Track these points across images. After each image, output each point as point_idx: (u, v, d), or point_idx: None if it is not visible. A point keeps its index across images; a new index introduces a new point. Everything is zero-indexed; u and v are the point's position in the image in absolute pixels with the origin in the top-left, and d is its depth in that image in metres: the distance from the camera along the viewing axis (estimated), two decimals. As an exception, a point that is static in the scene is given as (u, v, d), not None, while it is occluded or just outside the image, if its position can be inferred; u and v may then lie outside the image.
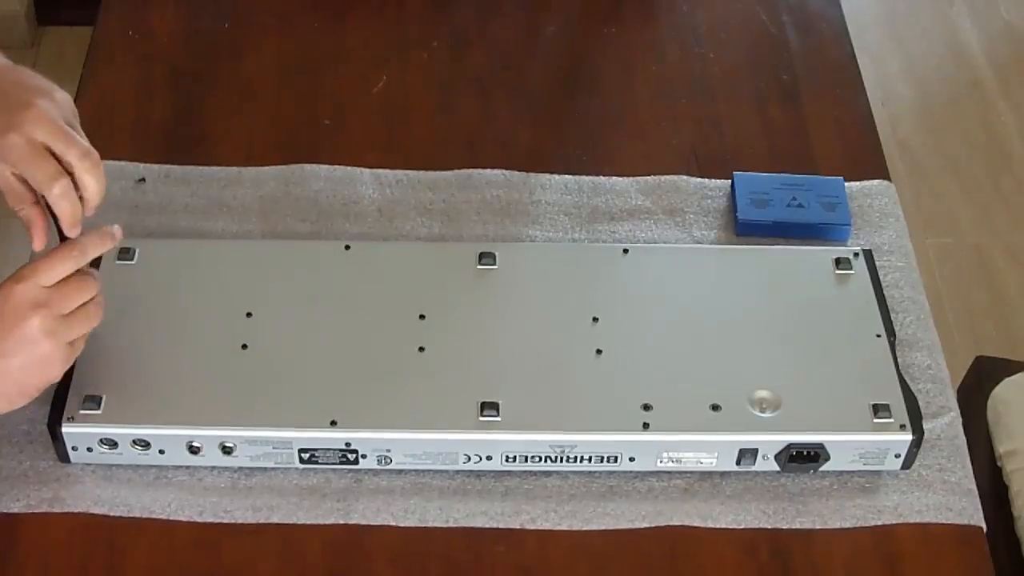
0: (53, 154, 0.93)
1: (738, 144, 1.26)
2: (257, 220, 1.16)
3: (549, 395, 1.00)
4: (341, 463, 0.99)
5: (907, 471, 1.02)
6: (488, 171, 1.21)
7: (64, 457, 0.99)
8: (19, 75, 0.97)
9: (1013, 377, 1.38)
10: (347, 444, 0.98)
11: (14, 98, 0.94)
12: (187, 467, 1.00)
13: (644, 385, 1.01)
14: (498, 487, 1.00)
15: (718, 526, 0.99)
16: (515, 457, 0.99)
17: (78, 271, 0.94)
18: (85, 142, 0.95)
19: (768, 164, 1.23)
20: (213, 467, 1.00)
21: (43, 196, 0.94)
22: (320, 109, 1.27)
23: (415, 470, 1.00)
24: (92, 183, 0.95)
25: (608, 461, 0.99)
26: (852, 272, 1.09)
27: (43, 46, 2.45)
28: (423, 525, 0.98)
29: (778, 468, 1.00)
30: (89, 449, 0.98)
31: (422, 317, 1.05)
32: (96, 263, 1.04)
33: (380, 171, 1.21)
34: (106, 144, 1.21)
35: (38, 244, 0.97)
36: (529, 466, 1.00)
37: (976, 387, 1.40)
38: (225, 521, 0.98)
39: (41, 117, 0.93)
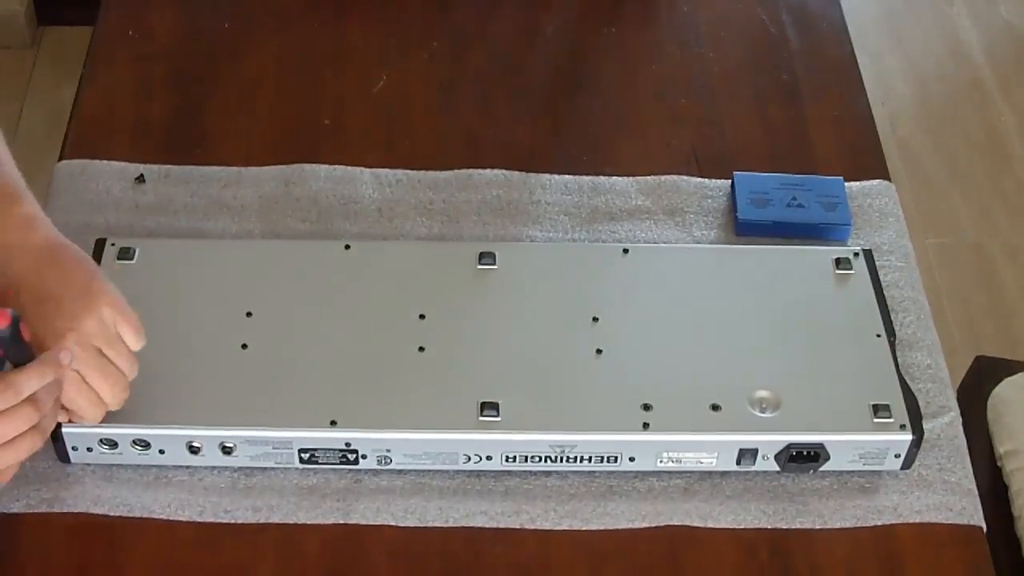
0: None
1: (738, 144, 1.26)
2: (257, 220, 1.16)
3: (549, 395, 1.00)
4: (341, 463, 0.99)
5: (907, 471, 1.02)
6: (488, 171, 1.21)
7: (64, 457, 0.99)
8: (67, 278, 0.94)
9: (1013, 377, 1.38)
10: (347, 444, 0.98)
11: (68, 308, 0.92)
12: (187, 467, 1.00)
13: (644, 385, 1.01)
14: (498, 487, 1.00)
15: (718, 526, 0.99)
16: (515, 457, 0.99)
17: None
18: (126, 360, 0.95)
19: (768, 164, 1.23)
20: (213, 467, 1.00)
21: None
22: (320, 109, 1.27)
23: (415, 470, 1.00)
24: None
25: (608, 461, 0.99)
26: (852, 272, 1.09)
27: (43, 46, 2.45)
28: (423, 525, 0.98)
29: (778, 468, 1.00)
30: (89, 449, 0.98)
31: (422, 317, 1.05)
32: (98, 257, 1.05)
33: (380, 171, 1.21)
34: (106, 144, 1.22)
35: None
36: (529, 466, 1.00)
37: (976, 387, 1.40)
38: (225, 521, 0.98)
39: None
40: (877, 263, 1.11)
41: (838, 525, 0.99)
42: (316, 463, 0.99)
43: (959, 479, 1.02)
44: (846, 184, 1.20)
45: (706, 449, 0.99)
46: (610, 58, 1.36)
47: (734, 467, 1.00)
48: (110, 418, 0.97)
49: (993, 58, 2.57)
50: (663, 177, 1.21)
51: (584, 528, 0.98)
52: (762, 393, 1.00)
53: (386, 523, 0.98)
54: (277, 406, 0.99)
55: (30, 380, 0.88)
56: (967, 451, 1.04)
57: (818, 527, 0.99)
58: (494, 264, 1.09)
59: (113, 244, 1.08)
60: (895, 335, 1.06)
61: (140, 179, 1.18)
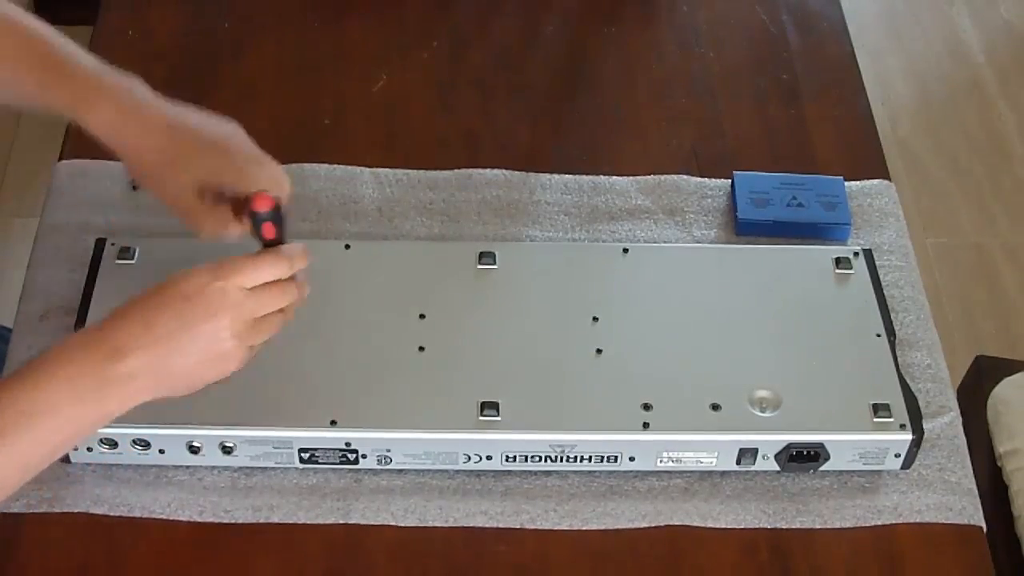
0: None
1: (738, 144, 1.26)
2: (257, 220, 1.16)
3: (549, 395, 1.00)
4: (341, 463, 0.99)
5: (907, 471, 1.02)
6: (488, 171, 1.21)
7: (64, 457, 0.98)
8: (191, 123, 1.00)
9: (1013, 377, 1.39)
10: (347, 444, 0.98)
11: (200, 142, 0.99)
12: (187, 467, 1.00)
13: (644, 385, 1.01)
14: (498, 487, 1.00)
15: (718, 526, 0.99)
16: (515, 457, 0.99)
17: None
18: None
19: (768, 164, 1.23)
20: (213, 467, 1.00)
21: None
22: (320, 109, 1.27)
23: (415, 470, 1.00)
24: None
25: (608, 461, 0.99)
26: (852, 272, 1.09)
27: (43, 46, 2.45)
28: (423, 525, 0.98)
29: (778, 468, 1.00)
30: (89, 449, 0.98)
31: (422, 317, 1.05)
32: (98, 257, 1.03)
33: (380, 171, 1.21)
34: (106, 144, 1.21)
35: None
36: (529, 466, 1.00)
37: (976, 387, 1.40)
38: (225, 521, 0.98)
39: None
40: (877, 263, 1.11)
41: (838, 525, 0.99)
42: (316, 463, 0.99)
43: (959, 479, 1.02)
44: (846, 184, 1.20)
45: (706, 449, 0.99)
46: (610, 58, 1.36)
47: (734, 467, 1.00)
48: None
49: (993, 58, 2.57)
50: (663, 177, 1.22)
51: (584, 528, 0.98)
52: (762, 393, 1.00)
53: (386, 523, 0.98)
54: (277, 406, 0.99)
55: (301, 255, 0.93)
56: (967, 451, 1.04)
57: (818, 527, 0.99)
58: (494, 264, 1.09)
59: (113, 244, 1.08)
60: (895, 335, 1.07)
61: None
